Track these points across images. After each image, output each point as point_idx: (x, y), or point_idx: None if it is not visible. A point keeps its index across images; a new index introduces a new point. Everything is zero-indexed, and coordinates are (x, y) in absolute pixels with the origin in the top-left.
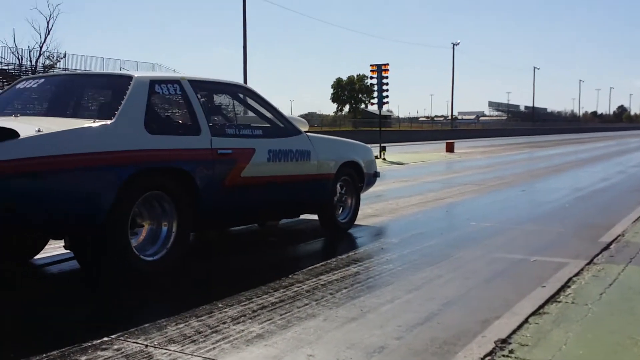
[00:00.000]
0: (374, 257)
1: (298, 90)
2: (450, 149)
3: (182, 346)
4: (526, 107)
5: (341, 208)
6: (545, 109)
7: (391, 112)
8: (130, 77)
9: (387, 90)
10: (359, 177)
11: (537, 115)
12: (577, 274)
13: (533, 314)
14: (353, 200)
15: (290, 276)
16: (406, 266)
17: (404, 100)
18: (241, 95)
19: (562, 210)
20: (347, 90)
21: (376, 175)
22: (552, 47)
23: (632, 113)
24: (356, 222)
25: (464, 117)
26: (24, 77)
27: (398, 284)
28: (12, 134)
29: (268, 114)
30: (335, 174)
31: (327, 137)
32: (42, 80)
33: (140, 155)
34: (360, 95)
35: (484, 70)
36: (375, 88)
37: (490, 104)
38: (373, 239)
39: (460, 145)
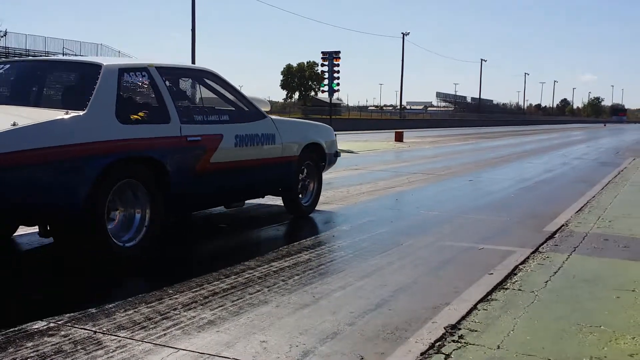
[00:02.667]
0: (325, 244)
1: (247, 76)
2: (399, 138)
3: (132, 332)
4: (473, 99)
5: (305, 191)
6: (492, 101)
7: (341, 100)
8: (99, 66)
9: (338, 78)
10: (321, 158)
11: (483, 106)
12: (523, 262)
13: (481, 300)
14: (315, 184)
15: (242, 263)
16: (357, 253)
17: (353, 89)
18: (207, 81)
19: (508, 199)
20: (297, 77)
21: (337, 154)
22: (499, 40)
23: (575, 106)
24: (314, 212)
25: (413, 107)
26: None
27: (350, 271)
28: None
29: (233, 99)
30: (299, 157)
31: (291, 119)
32: (5, 65)
33: (114, 145)
34: (310, 83)
35: (433, 61)
36: (326, 76)
37: (438, 94)
38: (325, 227)
39: (409, 135)
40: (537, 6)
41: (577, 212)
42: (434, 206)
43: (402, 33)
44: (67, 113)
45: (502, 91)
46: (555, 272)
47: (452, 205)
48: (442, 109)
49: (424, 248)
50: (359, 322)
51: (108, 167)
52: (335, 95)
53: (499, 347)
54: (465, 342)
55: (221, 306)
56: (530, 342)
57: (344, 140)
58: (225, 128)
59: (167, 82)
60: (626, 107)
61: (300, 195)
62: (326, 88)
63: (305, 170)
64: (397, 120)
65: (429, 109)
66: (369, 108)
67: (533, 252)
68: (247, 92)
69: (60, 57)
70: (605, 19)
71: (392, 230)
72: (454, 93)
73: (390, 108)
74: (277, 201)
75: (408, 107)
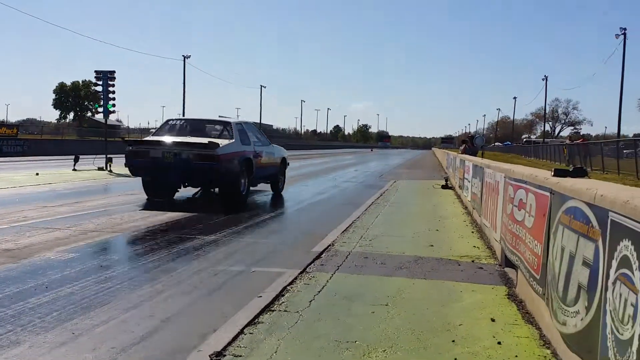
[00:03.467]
0: (92, 275)
1: (16, 93)
2: None
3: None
4: (254, 123)
5: (281, 180)
6: (272, 126)
7: (120, 121)
8: (229, 122)
9: (113, 99)
10: (285, 164)
11: (263, 131)
12: (291, 283)
13: (248, 324)
14: (284, 177)
15: None
16: (126, 284)
17: (135, 111)
18: (255, 127)
19: (282, 222)
20: (72, 97)
21: (287, 162)
22: (279, 67)
23: (346, 132)
24: (76, 243)
25: None
26: (171, 118)
27: (115, 303)
28: (216, 144)
29: (261, 136)
30: (280, 162)
31: (276, 145)
32: (182, 120)
33: (242, 152)
34: (86, 103)
35: (215, 85)
36: (102, 96)
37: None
38: (91, 257)
39: None
40: (314, 38)
41: (342, 232)
42: (208, 231)
43: (184, 56)
44: (228, 140)
45: (281, 117)
46: (319, 291)
47: (226, 229)
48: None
49: (197, 274)
50: (120, 358)
51: (243, 160)
52: (115, 116)
53: None
54: None
55: None
56: None
57: (122, 164)
58: (264, 148)
59: (248, 128)
60: (390, 133)
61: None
62: (101, 109)
63: (281, 169)
64: None
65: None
66: (151, 130)
67: (301, 273)
68: (15, 110)
69: (211, 117)
70: (371, 53)
71: (165, 257)
72: (236, 117)
73: None
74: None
75: None
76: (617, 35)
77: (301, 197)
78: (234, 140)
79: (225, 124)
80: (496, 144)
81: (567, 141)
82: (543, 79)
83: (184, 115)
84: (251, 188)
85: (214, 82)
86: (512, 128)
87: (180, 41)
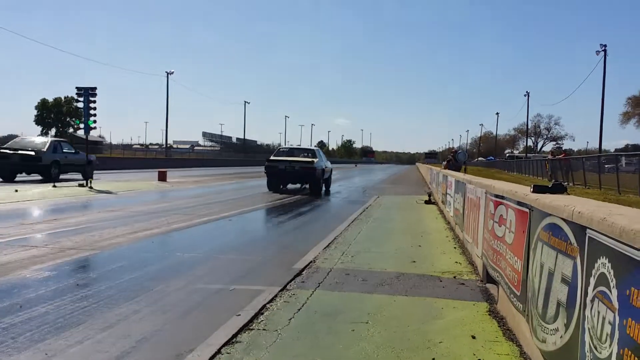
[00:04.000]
0: (68, 294)
1: None
2: (162, 177)
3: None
4: (238, 139)
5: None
6: (256, 142)
7: (103, 138)
8: (314, 149)
9: (94, 115)
10: (330, 172)
11: (248, 147)
12: (270, 301)
13: (226, 343)
14: (330, 182)
15: None
16: (102, 303)
17: (118, 127)
18: (322, 152)
19: (264, 238)
20: (54, 113)
21: (331, 171)
22: (263, 83)
23: (330, 148)
24: (53, 261)
25: (179, 147)
26: (282, 147)
27: (91, 323)
28: (313, 161)
29: (324, 156)
30: (331, 170)
31: (324, 157)
32: (288, 148)
33: (321, 165)
34: (68, 119)
35: (199, 101)
36: (83, 112)
37: (205, 134)
38: (68, 276)
39: (174, 174)
40: (298, 54)
41: (325, 248)
42: (190, 248)
43: (167, 72)
44: (315, 159)
45: (265, 132)
46: (299, 309)
47: (209, 246)
48: (208, 148)
49: (175, 292)
50: None
51: (321, 169)
52: (97, 132)
53: None
54: None
55: None
56: None
57: (104, 181)
58: (326, 163)
59: (320, 150)
60: (374, 149)
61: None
62: (83, 125)
63: (330, 174)
64: (162, 159)
65: (196, 148)
66: (134, 147)
67: (281, 290)
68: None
69: (304, 145)
70: (355, 69)
71: (144, 275)
72: (220, 133)
73: (157, 147)
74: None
75: (175, 146)
76: (597, 52)
77: (284, 212)
78: (317, 159)
79: (312, 151)
80: (479, 159)
81: (549, 156)
82: (525, 95)
83: (166, 130)
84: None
85: (198, 98)
86: (495, 143)
87: (163, 58)
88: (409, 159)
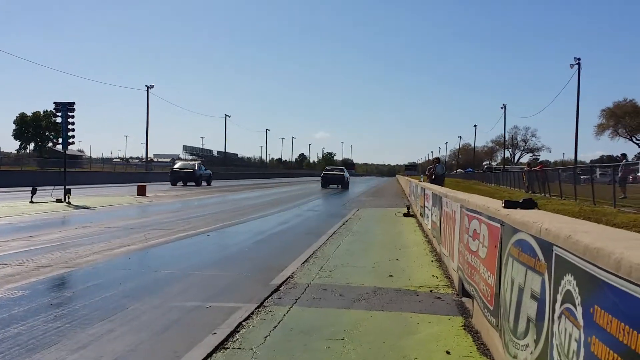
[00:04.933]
0: (40, 314)
1: None
2: (142, 192)
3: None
4: (219, 152)
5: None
6: (237, 155)
7: (82, 152)
8: (343, 168)
9: (73, 130)
10: (349, 178)
11: (229, 160)
12: (247, 318)
13: None
14: (349, 184)
15: None
16: (76, 322)
17: (97, 141)
18: (345, 168)
19: (242, 253)
20: (33, 127)
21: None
22: (242, 97)
23: (311, 160)
24: (27, 280)
25: (160, 160)
26: (327, 166)
27: (64, 343)
28: (344, 171)
29: (346, 170)
30: (349, 177)
31: (347, 171)
32: (331, 166)
33: (347, 174)
34: (48, 133)
35: (179, 115)
36: (61, 127)
37: (185, 147)
38: (42, 295)
39: (154, 189)
40: (277, 66)
41: (303, 263)
42: (168, 264)
43: (147, 86)
44: (345, 172)
45: (246, 145)
46: (275, 327)
47: (187, 262)
48: (189, 161)
49: (150, 311)
50: None
51: (347, 177)
52: (76, 146)
53: None
54: None
55: None
56: None
57: (82, 195)
58: (346, 174)
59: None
60: (355, 161)
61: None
62: (61, 140)
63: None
64: (143, 173)
65: (177, 161)
66: (114, 160)
67: (258, 307)
68: None
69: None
70: (335, 82)
71: (119, 293)
72: (200, 146)
73: (137, 160)
74: None
75: (155, 159)
76: (571, 65)
77: (263, 227)
78: (345, 172)
79: (342, 168)
80: (458, 170)
81: (526, 168)
82: (502, 108)
83: (146, 144)
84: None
85: (178, 111)
86: (474, 155)
87: (143, 71)
88: (389, 171)
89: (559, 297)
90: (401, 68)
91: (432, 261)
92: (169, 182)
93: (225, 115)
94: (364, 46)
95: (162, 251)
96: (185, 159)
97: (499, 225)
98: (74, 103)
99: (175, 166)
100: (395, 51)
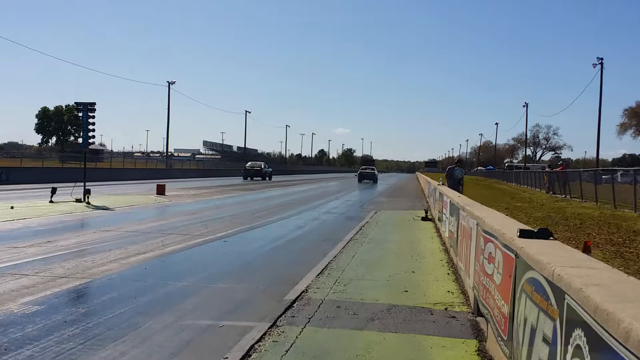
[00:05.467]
0: (54, 333)
1: None
2: (161, 191)
3: None
4: (239, 148)
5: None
6: (257, 150)
7: (104, 146)
8: (374, 167)
9: (93, 130)
10: (377, 174)
11: (248, 155)
12: (259, 340)
13: None
14: (377, 179)
15: None
16: (89, 343)
17: (119, 134)
18: (375, 167)
19: (257, 262)
20: (55, 122)
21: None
22: (262, 94)
23: (331, 156)
24: (43, 292)
25: (180, 155)
26: (362, 167)
27: None
28: (374, 168)
29: (375, 168)
30: (377, 174)
31: (376, 169)
32: (365, 167)
33: (377, 172)
34: (69, 127)
35: (200, 110)
36: (82, 127)
37: (205, 143)
38: (56, 310)
39: (172, 187)
40: (298, 63)
41: (317, 275)
42: (183, 275)
43: (168, 82)
44: (375, 169)
45: (266, 141)
46: (287, 350)
47: (201, 272)
48: (209, 156)
49: (164, 330)
50: None
51: (376, 174)
52: (98, 140)
53: None
54: None
55: None
56: None
57: (102, 194)
58: (375, 171)
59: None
60: (374, 157)
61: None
62: (81, 140)
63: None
64: (163, 169)
65: (197, 156)
66: (135, 154)
67: (271, 327)
68: None
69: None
70: (357, 78)
71: (133, 309)
72: (221, 142)
73: (158, 155)
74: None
75: (176, 154)
76: (594, 65)
77: (280, 232)
78: (375, 169)
79: (373, 167)
80: (479, 168)
81: (547, 169)
82: (524, 106)
83: (167, 139)
84: None
85: (198, 107)
86: (494, 152)
87: (165, 67)
88: (409, 168)
89: (570, 349)
90: (423, 65)
91: (448, 274)
92: (242, 177)
93: (246, 111)
94: (384, 43)
95: (177, 259)
96: (205, 154)
97: (513, 256)
98: (94, 103)
99: (247, 165)
100: (417, 49)
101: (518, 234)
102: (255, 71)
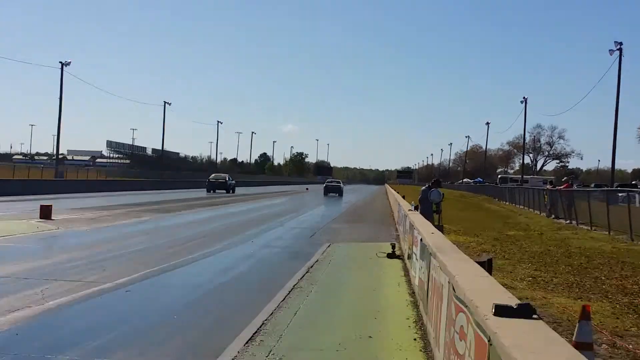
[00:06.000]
0: None
1: None
2: (46, 214)
3: None
4: (154, 150)
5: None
6: (178, 154)
7: None
8: (339, 180)
9: None
10: (343, 187)
11: (167, 160)
12: None
13: None
14: (343, 192)
15: None
16: None
17: None
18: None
19: (168, 323)
20: None
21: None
22: (188, 81)
23: (276, 162)
24: None
25: (76, 158)
26: (328, 179)
27: None
28: (340, 183)
29: (342, 181)
30: (343, 186)
31: (342, 181)
32: (331, 179)
33: (342, 185)
34: None
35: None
36: None
37: (110, 143)
38: None
39: (63, 206)
40: (238, 43)
41: (246, 343)
42: (65, 344)
43: (61, 62)
44: (341, 182)
45: (191, 142)
46: None
47: (91, 341)
48: (114, 161)
49: None
50: None
51: (341, 187)
52: None
53: None
54: None
55: None
56: None
57: None
58: (341, 184)
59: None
60: (332, 164)
61: None
62: None
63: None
64: (51, 181)
65: (98, 160)
66: (14, 157)
67: None
68: None
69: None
70: (312, 69)
71: None
72: (130, 142)
73: (46, 158)
74: None
75: (69, 157)
76: (611, 51)
77: (201, 277)
78: (341, 183)
79: (338, 180)
80: (464, 180)
81: (548, 186)
82: (522, 102)
83: (58, 137)
84: None
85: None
86: (485, 160)
87: (57, 45)
88: (377, 178)
89: None
90: (395, 50)
91: (414, 340)
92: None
93: (165, 102)
94: (352, 25)
95: (60, 320)
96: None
97: (486, 341)
98: None
99: (211, 177)
100: (389, 31)
101: (493, 310)
102: (179, 51)
